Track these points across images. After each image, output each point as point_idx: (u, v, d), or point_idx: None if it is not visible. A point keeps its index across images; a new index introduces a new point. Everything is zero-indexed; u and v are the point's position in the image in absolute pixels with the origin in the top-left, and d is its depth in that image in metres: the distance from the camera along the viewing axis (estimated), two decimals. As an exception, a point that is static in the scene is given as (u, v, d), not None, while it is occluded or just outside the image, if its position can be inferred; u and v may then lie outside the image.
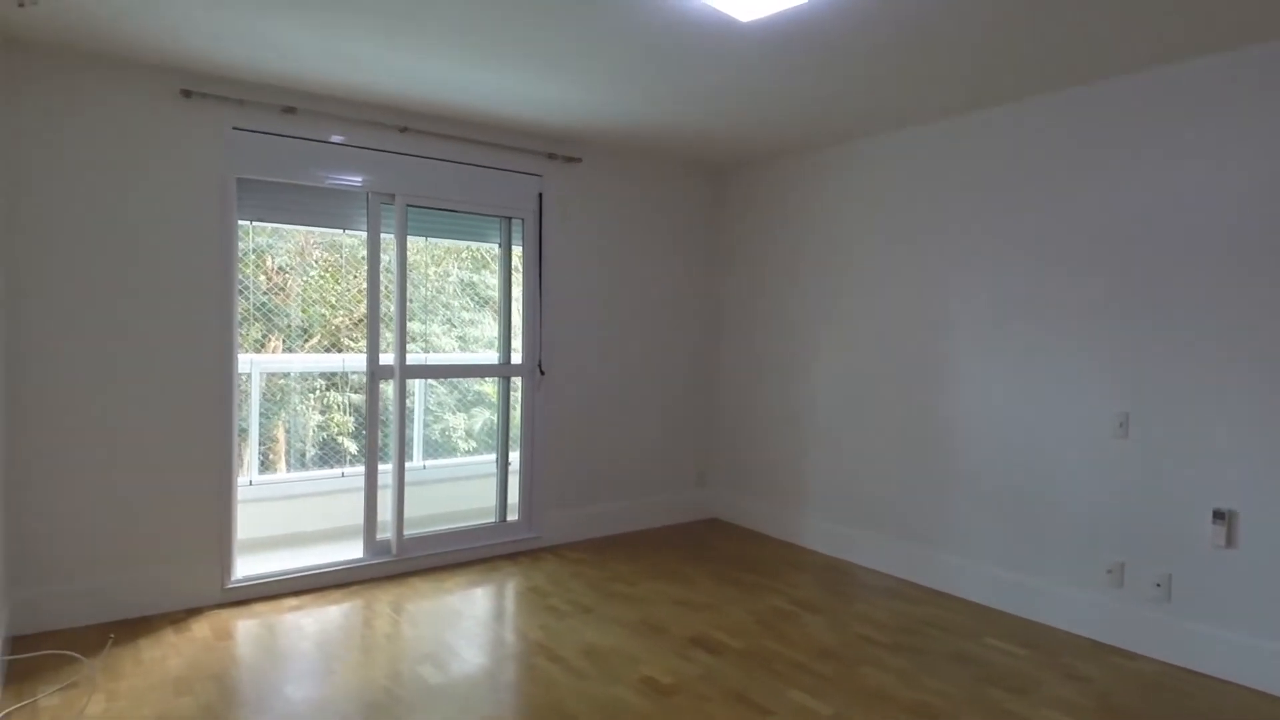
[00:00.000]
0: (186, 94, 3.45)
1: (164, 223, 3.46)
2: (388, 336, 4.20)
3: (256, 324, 4.96)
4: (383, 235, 4.07)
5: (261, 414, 4.86)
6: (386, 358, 4.11)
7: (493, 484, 4.62)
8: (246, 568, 3.87)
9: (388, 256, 4.12)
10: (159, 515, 3.49)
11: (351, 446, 5.13)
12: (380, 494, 4.18)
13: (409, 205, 4.10)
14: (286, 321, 5.07)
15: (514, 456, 4.62)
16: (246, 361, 4.65)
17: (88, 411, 3.32)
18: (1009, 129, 3.69)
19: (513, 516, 4.59)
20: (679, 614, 3.59)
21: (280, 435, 5.00)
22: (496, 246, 4.58)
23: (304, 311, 5.13)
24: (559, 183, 4.59)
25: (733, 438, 5.24)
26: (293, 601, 3.68)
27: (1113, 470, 3.34)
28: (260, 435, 4.86)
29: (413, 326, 5.02)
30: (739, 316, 5.18)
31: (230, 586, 3.65)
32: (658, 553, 4.54)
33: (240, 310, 3.76)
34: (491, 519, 4.56)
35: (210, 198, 3.55)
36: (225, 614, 3.51)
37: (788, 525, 4.83)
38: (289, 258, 5.17)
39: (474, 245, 4.77)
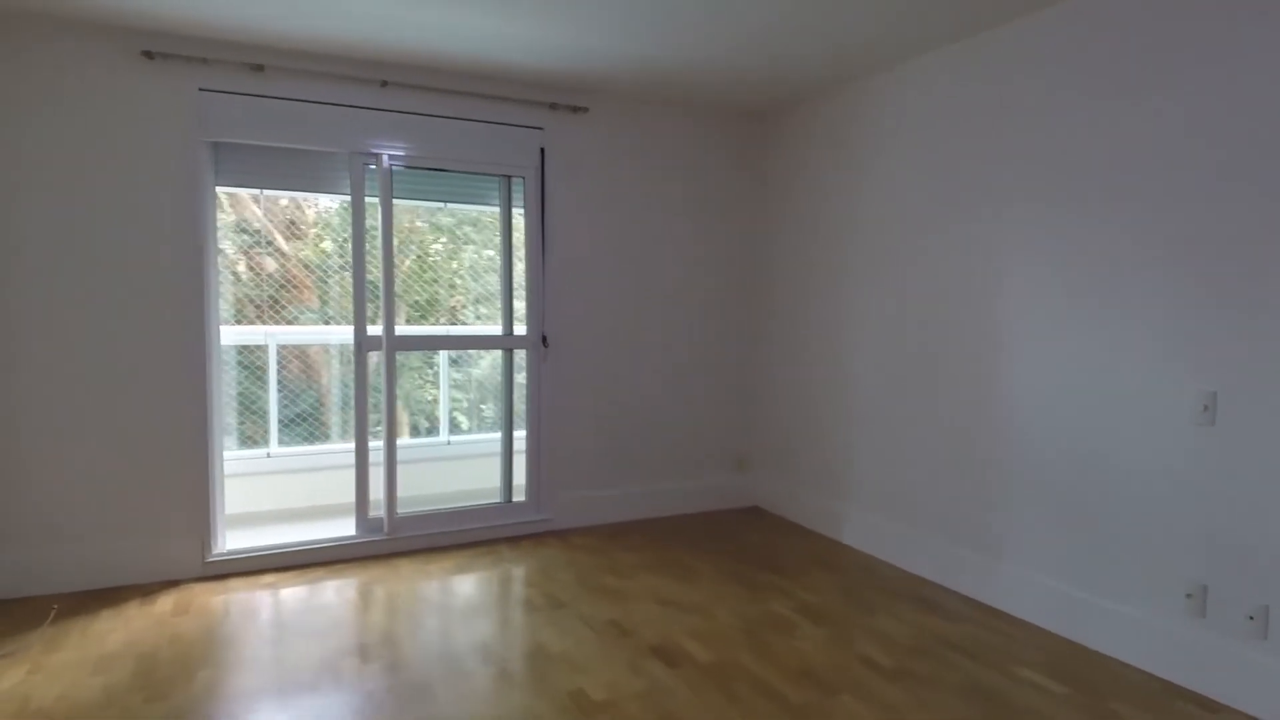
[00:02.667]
0: (149, 55, 3.34)
1: (131, 192, 3.39)
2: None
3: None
4: (371, 199, 3.85)
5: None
6: (375, 329, 3.91)
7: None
8: (242, 541, 3.82)
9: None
10: (138, 487, 3.46)
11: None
12: (403, 469, 4.01)
13: (394, 166, 3.86)
14: (414, 299, 4.87)
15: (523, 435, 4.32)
16: (262, 334, 4.61)
17: (65, 384, 3.32)
18: (1079, 27, 2.93)
19: (519, 497, 4.30)
20: (658, 615, 3.17)
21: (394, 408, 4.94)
22: (496, 209, 4.26)
23: (423, 289, 4.91)
24: (564, 136, 4.20)
25: (777, 418, 4.69)
26: (269, 578, 3.58)
27: (1193, 466, 2.57)
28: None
29: (420, 298, 4.81)
30: (785, 281, 4.59)
31: (210, 560, 3.59)
32: (673, 542, 4.11)
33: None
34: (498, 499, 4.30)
35: (179, 164, 3.45)
36: (198, 588, 3.45)
37: (828, 518, 4.26)
38: (404, 235, 5.00)
39: (474, 209, 4.47)
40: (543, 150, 4.14)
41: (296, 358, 4.83)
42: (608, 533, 4.28)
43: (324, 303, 4.86)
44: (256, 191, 4.65)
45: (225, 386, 4.28)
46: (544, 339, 4.21)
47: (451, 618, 3.14)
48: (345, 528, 3.97)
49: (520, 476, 4.29)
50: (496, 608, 3.25)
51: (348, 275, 4.39)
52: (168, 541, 3.52)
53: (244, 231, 4.83)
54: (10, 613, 3.14)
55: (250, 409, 4.75)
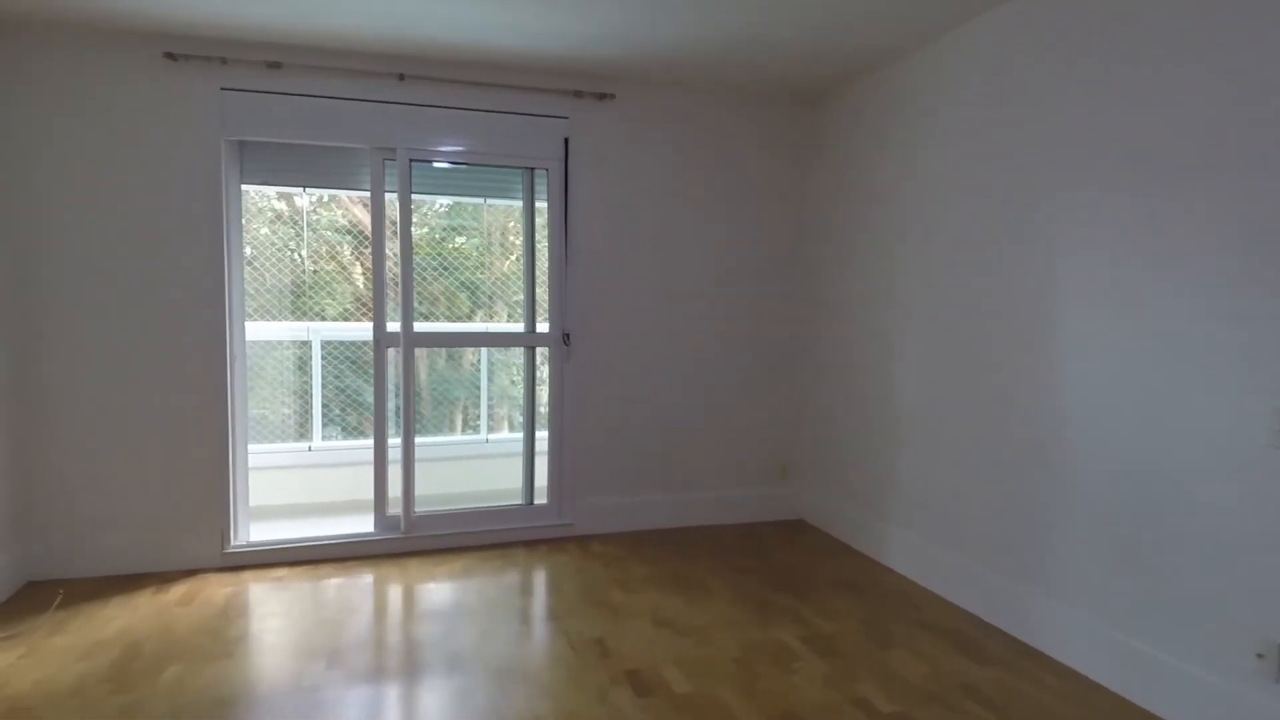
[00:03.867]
0: (171, 57, 3.43)
1: (157, 190, 3.49)
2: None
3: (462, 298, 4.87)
4: (390, 194, 3.82)
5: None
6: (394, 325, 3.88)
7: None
8: (268, 533, 3.88)
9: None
10: (163, 479, 3.56)
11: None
12: (442, 466, 3.97)
13: (413, 160, 3.81)
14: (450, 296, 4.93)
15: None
16: (304, 329, 4.70)
17: (95, 378, 3.45)
18: (1132, -21, 2.47)
19: (541, 500, 4.16)
20: (649, 636, 2.94)
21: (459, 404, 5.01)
22: (520, 203, 4.14)
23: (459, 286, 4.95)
24: (589, 125, 4.02)
25: (823, 425, 4.33)
26: (280, 572, 3.60)
27: (1264, 498, 2.10)
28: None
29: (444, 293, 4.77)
30: (831, 275, 4.23)
31: (229, 551, 3.66)
32: (696, 556, 3.86)
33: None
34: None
35: (201, 162, 3.52)
36: (212, 579, 3.51)
37: (871, 537, 3.88)
38: (483, 237, 5.07)
39: (496, 203, 4.37)
40: (567, 141, 3.99)
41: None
42: (630, 541, 4.07)
43: (421, 299, 4.89)
44: (361, 193, 4.75)
45: (317, 380, 4.39)
46: (566, 336, 4.05)
47: (434, 625, 3.03)
48: (355, 524, 3.96)
49: (543, 478, 4.15)
50: (484, 617, 3.11)
51: (441, 275, 4.43)
52: (190, 532, 3.60)
53: (349, 233, 4.98)
54: (35, 596, 3.29)
55: (355, 402, 4.88)
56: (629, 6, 3.04)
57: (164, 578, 3.51)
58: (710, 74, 3.93)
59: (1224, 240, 2.21)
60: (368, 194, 3.84)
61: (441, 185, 4.00)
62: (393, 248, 3.84)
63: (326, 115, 3.66)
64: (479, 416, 5.02)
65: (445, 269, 4.86)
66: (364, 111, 3.70)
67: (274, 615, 3.11)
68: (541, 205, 4.07)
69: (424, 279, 4.77)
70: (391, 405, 3.88)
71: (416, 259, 4.71)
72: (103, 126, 3.40)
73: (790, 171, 4.39)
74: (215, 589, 3.39)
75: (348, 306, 4.97)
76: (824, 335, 4.29)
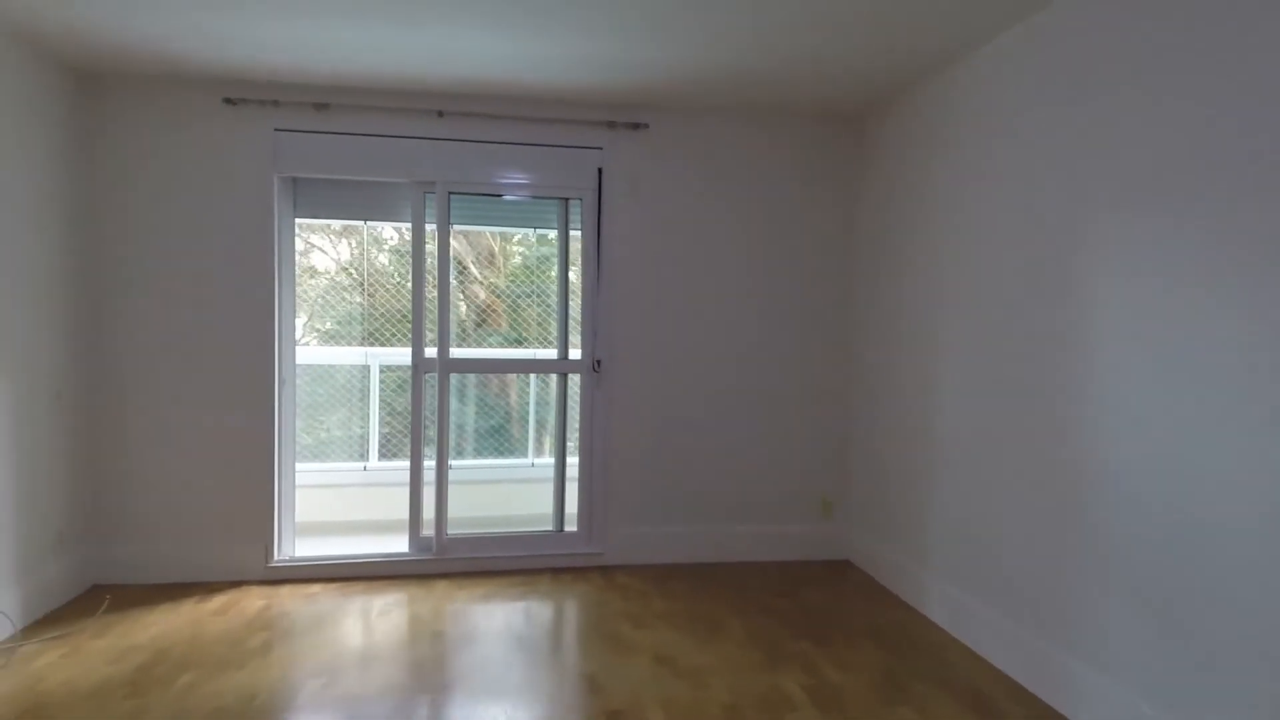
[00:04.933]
0: (230, 102, 3.70)
1: (217, 225, 3.75)
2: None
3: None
4: (430, 226, 3.96)
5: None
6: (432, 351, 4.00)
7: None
8: (312, 549, 4.05)
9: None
10: (215, 495, 3.79)
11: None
12: (487, 489, 4.07)
13: (451, 193, 3.93)
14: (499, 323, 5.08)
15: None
16: (361, 354, 4.92)
17: (158, 400, 3.73)
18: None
19: (571, 528, 4.15)
20: (645, 676, 2.85)
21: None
22: (554, 232, 4.19)
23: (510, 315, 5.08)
24: (623, 155, 4.03)
25: (869, 461, 4.11)
26: (314, 588, 3.74)
27: (1308, 565, 1.81)
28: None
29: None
30: (878, 304, 4.03)
31: (272, 565, 3.84)
32: (722, 593, 3.73)
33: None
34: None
35: (256, 197, 3.77)
36: (254, 591, 3.69)
37: (913, 584, 3.63)
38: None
39: (532, 232, 4.43)
40: (600, 171, 4.01)
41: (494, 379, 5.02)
42: (659, 575, 3.98)
43: (512, 326, 5.06)
44: (466, 227, 4.96)
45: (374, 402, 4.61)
46: (596, 363, 4.04)
47: (435, 649, 3.06)
48: (390, 544, 4.07)
49: (573, 506, 4.14)
50: (487, 644, 3.11)
51: (533, 302, 4.62)
52: (237, 546, 3.81)
53: (454, 261, 5.21)
54: (97, 599, 3.57)
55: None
56: (663, 33, 3.04)
57: (210, 588, 3.72)
58: (746, 98, 3.87)
59: (1270, 274, 1.94)
60: (400, 224, 3.99)
61: (479, 216, 4.11)
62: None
63: (370, 151, 3.84)
64: (527, 440, 5.07)
65: (536, 295, 4.94)
66: (405, 147, 3.86)
67: (294, 631, 3.23)
68: (576, 234, 4.10)
69: (519, 306, 4.88)
70: (449, 426, 3.98)
71: (513, 287, 4.86)
72: (170, 166, 3.70)
73: (832, 194, 4.23)
74: (251, 601, 3.56)
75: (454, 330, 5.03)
76: (869, 366, 4.08)
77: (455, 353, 4.10)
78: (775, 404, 4.24)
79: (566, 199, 4.09)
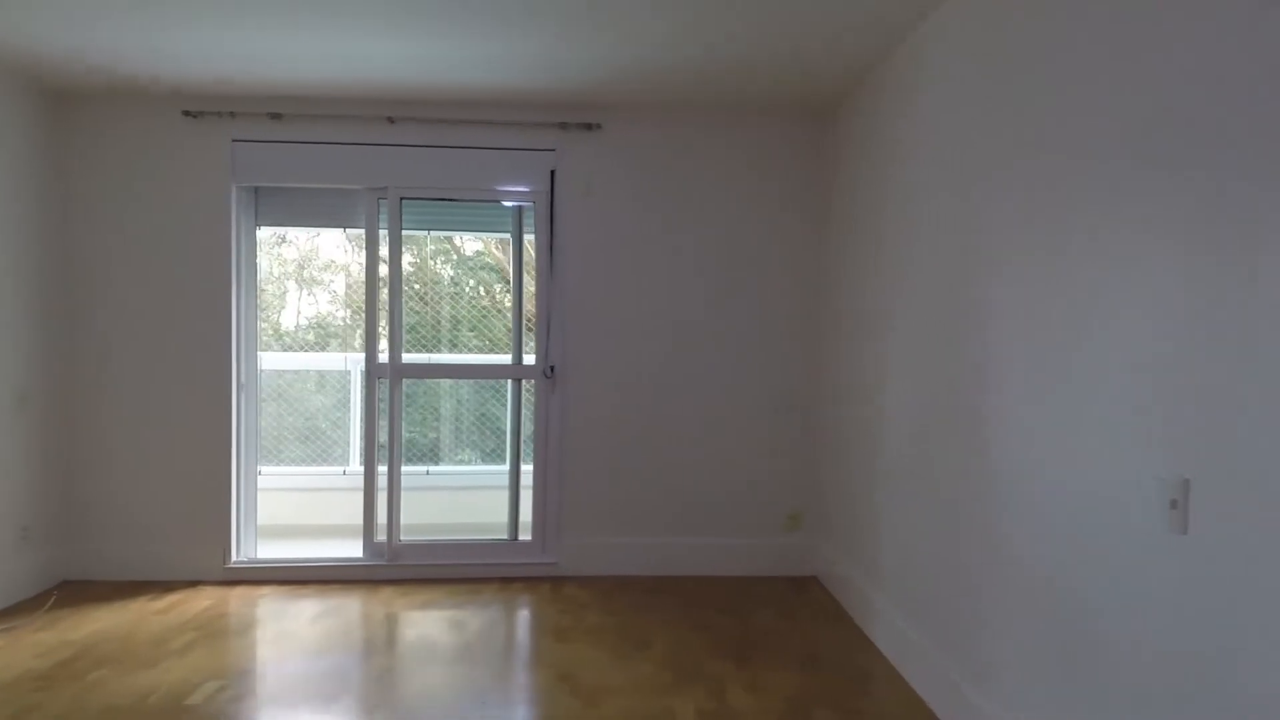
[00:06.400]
0: (189, 114, 3.82)
1: (178, 234, 3.87)
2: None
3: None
4: (384, 230, 3.98)
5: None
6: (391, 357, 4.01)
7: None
8: (273, 551, 4.12)
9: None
10: (176, 496, 3.90)
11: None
12: (463, 495, 4.11)
13: (403, 198, 3.94)
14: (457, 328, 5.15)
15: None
16: (341, 359, 4.99)
17: (122, 404, 3.87)
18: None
19: (526, 536, 4.08)
20: (538, 693, 2.75)
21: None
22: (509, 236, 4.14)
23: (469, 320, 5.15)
24: (576, 156, 3.96)
25: (836, 474, 3.88)
26: (265, 590, 3.80)
27: (1162, 587, 1.57)
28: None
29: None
30: (845, 313, 3.81)
31: (229, 566, 3.92)
32: (666, 607, 3.58)
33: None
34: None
35: (214, 207, 3.87)
36: (206, 591, 3.77)
37: (864, 603, 3.40)
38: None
39: (486, 236, 4.39)
40: (553, 173, 3.94)
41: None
42: (610, 586, 3.87)
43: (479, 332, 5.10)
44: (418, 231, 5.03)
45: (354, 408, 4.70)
46: (550, 369, 3.97)
47: (342, 660, 3.03)
48: (346, 549, 4.09)
49: (529, 514, 4.08)
50: (395, 655, 3.07)
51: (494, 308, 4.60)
52: (198, 546, 3.91)
53: (489, 269, 5.34)
54: (60, 594, 3.71)
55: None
56: (607, 30, 2.97)
57: (168, 587, 3.83)
58: (703, 94, 3.73)
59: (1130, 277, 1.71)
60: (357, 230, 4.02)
61: (432, 221, 4.11)
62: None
63: (325, 159, 3.89)
64: (504, 446, 5.04)
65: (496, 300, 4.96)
66: (358, 154, 3.89)
67: (222, 633, 3.27)
68: (531, 238, 4.05)
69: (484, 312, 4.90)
70: (401, 432, 3.99)
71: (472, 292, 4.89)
72: (134, 179, 3.84)
73: (800, 195, 4.04)
74: (199, 601, 3.64)
75: (495, 339, 5.12)
76: (836, 372, 3.86)
77: (407, 358, 4.10)
78: (740, 412, 4.06)
79: (520, 203, 4.04)
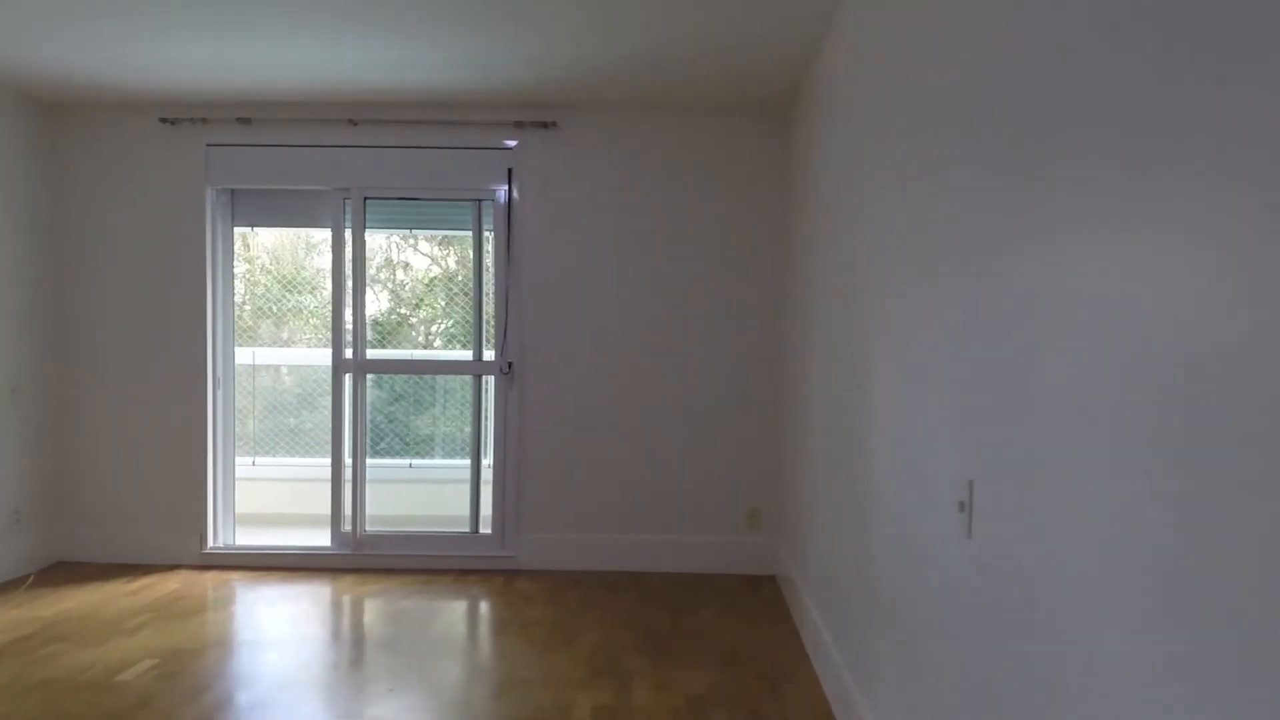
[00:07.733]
0: (166, 121, 4.01)
1: (157, 236, 4.07)
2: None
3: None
4: (350, 230, 4.09)
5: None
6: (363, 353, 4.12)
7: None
8: (250, 539, 4.30)
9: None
10: (157, 484, 4.11)
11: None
12: (438, 488, 4.30)
13: (366, 198, 4.05)
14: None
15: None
16: (326, 354, 5.13)
17: (108, 395, 4.10)
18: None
19: (486, 530, 4.14)
20: (447, 684, 2.80)
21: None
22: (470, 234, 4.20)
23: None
24: (533, 154, 3.99)
25: (792, 473, 3.81)
26: (235, 575, 3.96)
27: (961, 593, 1.50)
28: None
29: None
30: (801, 310, 3.73)
31: (205, 552, 4.10)
32: (609, 604, 3.59)
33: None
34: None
35: (190, 209, 4.06)
36: (181, 575, 3.96)
37: (798, 604, 3.33)
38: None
39: (449, 234, 4.45)
40: (510, 171, 3.99)
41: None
42: (563, 581, 3.89)
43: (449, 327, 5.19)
44: (382, 230, 5.14)
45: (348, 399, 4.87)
46: (507, 365, 4.02)
47: (275, 647, 3.13)
48: (317, 538, 4.22)
49: (489, 508, 4.14)
50: (327, 642, 3.17)
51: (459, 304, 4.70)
52: (178, 532, 4.11)
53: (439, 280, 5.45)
54: (52, 575, 3.96)
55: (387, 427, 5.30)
56: (543, 28, 3.01)
57: (147, 570, 4.03)
58: (659, 90, 3.72)
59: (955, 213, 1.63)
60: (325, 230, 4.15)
61: (395, 220, 4.21)
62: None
63: (293, 161, 4.03)
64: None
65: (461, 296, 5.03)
66: (323, 155, 4.02)
67: (177, 615, 3.43)
68: (490, 235, 4.10)
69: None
70: (366, 424, 4.11)
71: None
72: (116, 183, 4.06)
73: (761, 192, 3.98)
74: (169, 585, 3.82)
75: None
76: (793, 371, 3.79)
77: (371, 354, 4.21)
78: (699, 409, 4.03)
79: (479, 200, 4.10)
